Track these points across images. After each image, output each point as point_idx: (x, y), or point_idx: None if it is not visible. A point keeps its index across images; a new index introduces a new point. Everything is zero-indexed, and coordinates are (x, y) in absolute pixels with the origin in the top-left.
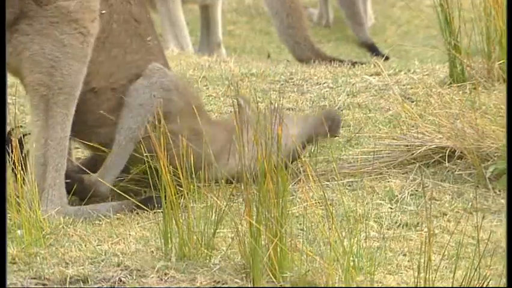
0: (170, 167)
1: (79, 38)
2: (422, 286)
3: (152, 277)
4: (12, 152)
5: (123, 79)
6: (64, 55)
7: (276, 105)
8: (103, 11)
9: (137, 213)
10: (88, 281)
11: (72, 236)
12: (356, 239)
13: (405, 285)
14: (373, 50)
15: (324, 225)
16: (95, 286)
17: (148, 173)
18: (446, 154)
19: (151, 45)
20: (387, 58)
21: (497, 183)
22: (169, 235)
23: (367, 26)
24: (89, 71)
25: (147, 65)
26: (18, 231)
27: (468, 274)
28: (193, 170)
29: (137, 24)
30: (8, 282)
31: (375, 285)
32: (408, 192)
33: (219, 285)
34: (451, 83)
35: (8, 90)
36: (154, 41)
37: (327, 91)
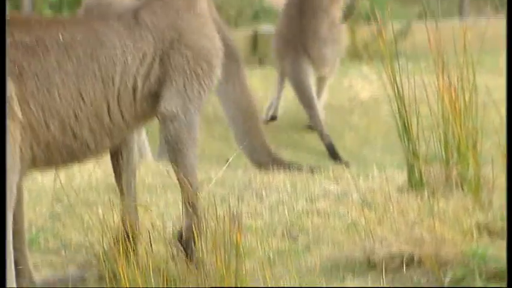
0: None
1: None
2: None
3: None
4: None
5: None
6: None
7: (235, 212)
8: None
9: None
10: None
11: None
12: None
13: None
14: (334, 155)
15: None
16: None
17: None
18: (404, 260)
19: None
20: (347, 164)
21: None
22: None
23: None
24: None
25: None
26: None
27: None
28: None
29: None
30: None
31: None
32: None
33: None
34: (409, 189)
35: None
36: None
37: (285, 197)
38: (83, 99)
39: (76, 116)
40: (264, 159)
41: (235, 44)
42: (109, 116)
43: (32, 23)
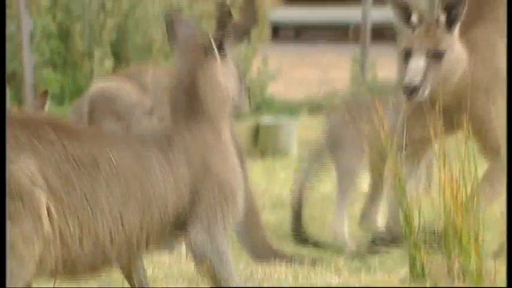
0: None
1: None
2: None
3: None
4: None
5: None
6: None
7: None
8: None
9: None
10: None
11: None
12: None
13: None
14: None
15: None
16: None
17: None
18: None
19: None
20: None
21: None
22: None
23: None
24: None
25: None
26: None
27: None
28: None
29: None
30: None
31: None
32: None
33: None
34: (411, 281)
35: None
36: None
37: None
38: (122, 223)
39: (111, 239)
40: (265, 254)
41: (239, 139)
42: (137, 240)
43: (82, 135)
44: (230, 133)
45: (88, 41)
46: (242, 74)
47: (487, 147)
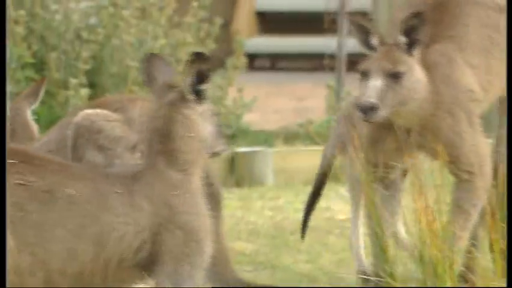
0: None
1: None
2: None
3: None
4: None
5: None
6: None
7: None
8: None
9: None
10: None
11: None
12: None
13: None
14: None
15: None
16: None
17: None
18: None
19: None
20: None
21: None
22: None
23: None
24: None
25: None
26: None
27: None
28: None
29: None
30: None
31: None
32: None
33: None
34: None
35: None
36: None
37: None
38: (76, 258)
39: (63, 273)
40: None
41: (219, 188)
42: (92, 275)
43: (46, 167)
44: (201, 178)
45: (63, 70)
46: (216, 115)
47: (460, 170)
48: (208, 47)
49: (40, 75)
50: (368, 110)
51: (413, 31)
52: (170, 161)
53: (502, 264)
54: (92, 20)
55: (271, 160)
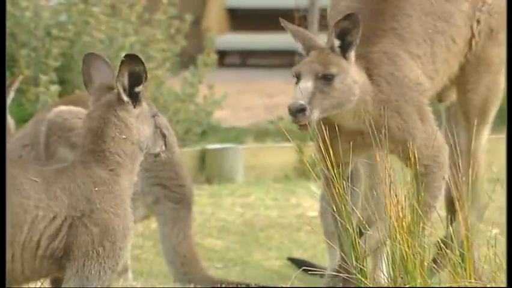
0: None
1: None
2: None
3: None
4: None
5: None
6: None
7: None
8: None
9: None
10: None
11: None
12: None
13: None
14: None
15: None
16: None
17: None
18: None
19: None
20: None
21: None
22: None
23: None
24: None
25: None
26: None
27: None
28: None
29: None
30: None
31: None
32: None
33: None
34: None
35: None
36: None
37: None
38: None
39: None
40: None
41: (191, 189)
42: (12, 262)
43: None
44: (131, 180)
45: (33, 67)
46: (156, 116)
47: (415, 165)
48: (179, 44)
49: (10, 72)
50: (296, 112)
51: (347, 34)
52: (98, 159)
53: (472, 261)
54: (62, 17)
55: (242, 157)
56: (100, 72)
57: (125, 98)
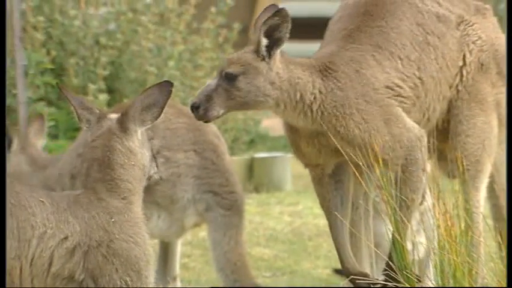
0: None
1: None
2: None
3: None
4: None
5: None
6: None
7: None
8: None
9: None
10: None
11: None
12: None
13: None
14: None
15: None
16: None
17: None
18: None
19: None
20: None
21: None
22: None
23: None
24: None
25: None
26: None
27: None
28: None
29: None
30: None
31: None
32: None
33: None
34: None
35: None
36: None
37: None
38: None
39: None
40: None
41: (242, 195)
42: (20, 278)
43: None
44: (140, 206)
45: (82, 76)
46: (151, 139)
47: (389, 165)
48: (227, 53)
49: (59, 81)
50: (193, 109)
51: (275, 29)
52: (109, 189)
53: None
54: (111, 26)
55: (290, 165)
56: (75, 99)
57: (132, 124)
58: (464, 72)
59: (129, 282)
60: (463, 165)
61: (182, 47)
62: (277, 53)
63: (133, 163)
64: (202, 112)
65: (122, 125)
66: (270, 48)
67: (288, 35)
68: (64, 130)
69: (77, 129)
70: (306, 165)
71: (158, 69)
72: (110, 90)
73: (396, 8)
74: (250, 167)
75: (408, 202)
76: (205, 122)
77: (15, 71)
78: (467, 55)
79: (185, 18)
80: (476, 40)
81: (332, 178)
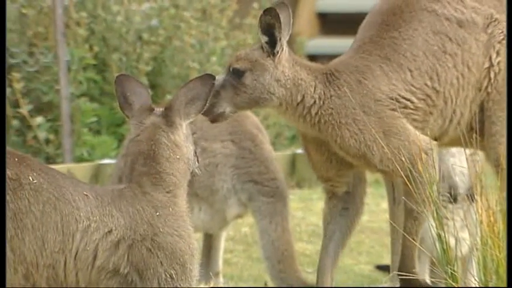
0: None
1: None
2: None
3: None
4: None
5: None
6: None
7: None
8: None
9: None
10: None
11: None
12: None
13: None
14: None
15: None
16: None
17: None
18: None
19: None
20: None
21: None
22: None
23: None
24: None
25: None
26: None
27: None
28: None
29: None
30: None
31: None
32: None
33: None
34: None
35: None
36: None
37: None
38: (45, 247)
39: (37, 264)
40: None
41: (283, 181)
42: (64, 271)
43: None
44: (185, 199)
45: (124, 71)
46: (192, 134)
47: (389, 175)
48: None
49: (101, 76)
50: None
51: (273, 28)
52: (154, 182)
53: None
54: (154, 22)
55: None
56: (135, 93)
57: (176, 117)
58: (492, 74)
59: (174, 276)
60: (502, 163)
61: (225, 42)
62: (284, 51)
63: (178, 157)
64: (208, 108)
65: (168, 118)
66: (272, 45)
67: (285, 34)
68: (107, 126)
69: (120, 125)
70: (318, 178)
71: (201, 65)
72: (152, 86)
73: (413, 17)
74: (293, 163)
75: (414, 213)
76: (212, 122)
77: (58, 67)
78: (493, 56)
79: (228, 14)
80: (503, 39)
81: (340, 203)
